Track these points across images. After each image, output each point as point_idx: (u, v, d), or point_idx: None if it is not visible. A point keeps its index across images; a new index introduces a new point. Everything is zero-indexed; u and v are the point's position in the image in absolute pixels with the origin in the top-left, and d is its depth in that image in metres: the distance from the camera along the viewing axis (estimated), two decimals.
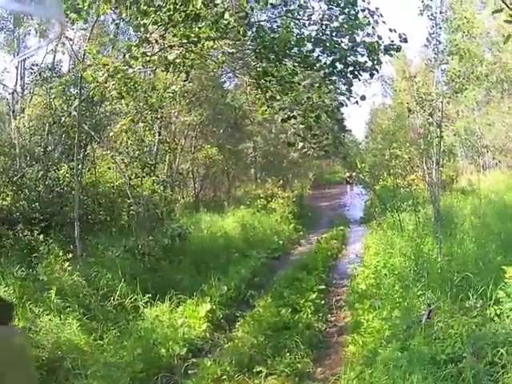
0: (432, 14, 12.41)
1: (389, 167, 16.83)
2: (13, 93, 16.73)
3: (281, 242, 19.11)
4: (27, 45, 18.45)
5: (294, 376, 7.53)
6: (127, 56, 7.33)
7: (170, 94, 12.22)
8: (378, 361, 7.03)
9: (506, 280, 7.45)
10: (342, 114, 24.02)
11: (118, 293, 9.79)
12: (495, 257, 9.59)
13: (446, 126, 13.43)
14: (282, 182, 25.24)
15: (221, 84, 22.91)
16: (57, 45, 12.54)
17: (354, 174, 24.14)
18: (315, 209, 29.73)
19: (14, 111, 15.93)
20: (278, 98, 7.81)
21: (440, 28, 12.76)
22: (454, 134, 20.40)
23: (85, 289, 9.62)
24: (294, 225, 22.20)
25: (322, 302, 11.11)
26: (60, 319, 8.26)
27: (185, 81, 11.23)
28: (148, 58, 7.49)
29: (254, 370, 7.57)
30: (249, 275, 13.28)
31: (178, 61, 7.71)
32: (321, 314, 10.38)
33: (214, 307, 10.13)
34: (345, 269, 14.95)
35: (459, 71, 13.21)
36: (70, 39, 12.40)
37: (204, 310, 9.79)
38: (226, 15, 6.82)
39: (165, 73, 10.88)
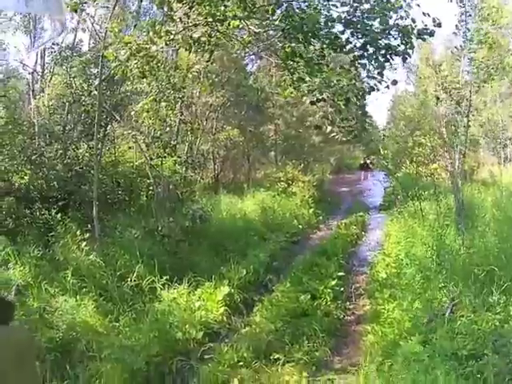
0: (462, 1, 12.04)
1: (411, 155, 16.54)
2: (33, 72, 16.64)
3: (300, 227, 18.99)
4: (43, 26, 18.40)
5: (311, 364, 7.40)
6: (151, 33, 7.12)
7: (194, 74, 12.02)
8: (398, 353, 6.85)
9: None
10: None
11: (135, 274, 9.64)
12: None
13: (473, 115, 13.11)
14: (302, 165, 24.96)
15: (243, 66, 22.67)
16: (78, 23, 12.38)
17: (370, 160, 23.99)
18: (335, 194, 29.55)
19: (33, 90, 15.84)
20: (308, 79, 7.56)
21: (470, 15, 12.40)
22: (479, 125, 20.01)
23: (102, 269, 9.51)
24: (314, 209, 22.01)
25: (341, 289, 10.96)
26: (76, 300, 8.18)
27: (207, 61, 10.99)
28: (172, 37, 7.28)
29: (272, 357, 7.45)
30: (268, 259, 13.18)
31: (202, 39, 7.50)
32: (339, 302, 10.27)
33: (233, 291, 10.05)
34: (364, 256, 14.89)
35: (488, 61, 12.85)
36: (92, 17, 12.17)
37: (222, 293, 9.70)
38: None
39: (187, 53, 10.72)
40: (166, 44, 7.42)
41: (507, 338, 6.22)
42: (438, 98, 13.39)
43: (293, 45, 7.54)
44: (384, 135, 21.67)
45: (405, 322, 8.02)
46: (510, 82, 19.50)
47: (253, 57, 22.40)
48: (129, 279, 9.54)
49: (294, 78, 8.04)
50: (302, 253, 14.88)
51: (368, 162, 29.10)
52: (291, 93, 8.72)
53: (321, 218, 21.95)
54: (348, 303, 10.66)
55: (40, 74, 16.79)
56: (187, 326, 8.38)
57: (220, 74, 18.16)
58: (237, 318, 9.30)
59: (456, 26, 12.54)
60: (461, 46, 13.20)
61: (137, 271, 9.73)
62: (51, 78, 15.31)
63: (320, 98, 7.59)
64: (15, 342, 1.68)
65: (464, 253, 10.02)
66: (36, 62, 17.19)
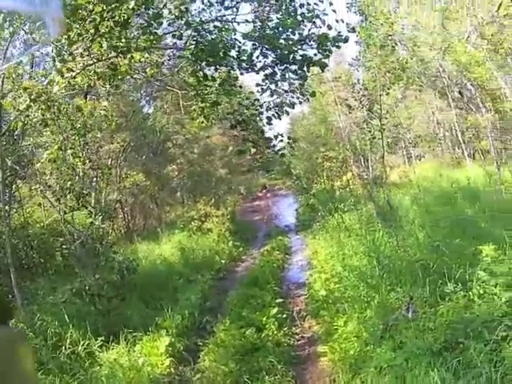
0: (360, 10, 12.45)
1: (323, 169, 16.78)
2: None
3: (223, 261, 18.64)
4: None
5: None
6: (52, 74, 6.68)
7: (98, 115, 11.56)
8: (368, 365, 6.70)
9: (484, 259, 7.35)
10: None
11: (68, 340, 8.96)
12: (451, 240, 9.56)
13: (386, 118, 13.48)
14: (213, 200, 24.78)
15: (140, 108, 22.37)
16: None
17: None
18: (249, 223, 29.46)
19: None
20: (226, 101, 7.35)
21: (370, 22, 12.82)
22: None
23: (32, 341, 8.64)
24: (233, 242, 21.77)
25: (284, 315, 10.74)
26: None
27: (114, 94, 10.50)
28: (74, 74, 6.85)
29: None
30: (199, 300, 12.77)
31: (108, 73, 7.12)
32: (286, 328, 10.02)
33: (173, 339, 9.55)
34: (296, 278, 14.84)
35: (388, 65, 13.32)
36: None
37: (163, 344, 9.19)
38: (165, 11, 6.33)
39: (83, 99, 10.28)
40: (69, 83, 6.97)
41: (476, 321, 6.23)
42: (349, 107, 13.70)
43: (203, 70, 7.32)
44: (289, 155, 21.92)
45: (362, 333, 7.90)
46: (404, 86, 20.35)
47: (147, 98, 22.25)
48: (63, 347, 8.80)
49: (207, 105, 7.81)
50: (232, 287, 14.53)
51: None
52: (202, 122, 8.49)
53: (241, 249, 21.69)
54: (294, 328, 10.42)
55: None
56: None
57: (118, 120, 17.70)
58: (185, 367, 8.88)
59: (357, 33, 12.85)
60: (359, 54, 13.64)
61: (69, 337, 9.03)
62: None
63: (240, 119, 7.38)
64: (14, 342, 1.65)
65: (400, 252, 10.07)
66: None
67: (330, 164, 16.27)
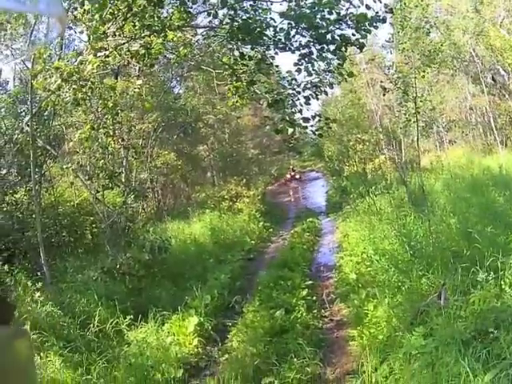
0: None
1: (355, 152, 16.63)
2: None
3: (253, 242, 18.75)
4: None
5: (305, 381, 7.14)
6: (85, 53, 6.69)
7: (132, 95, 11.60)
8: (397, 352, 6.67)
9: None
10: None
11: (97, 318, 9.03)
12: (483, 228, 9.39)
13: (421, 101, 13.26)
14: (245, 180, 24.79)
15: (171, 88, 22.41)
16: None
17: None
18: (280, 204, 29.44)
19: None
20: (264, 80, 7.27)
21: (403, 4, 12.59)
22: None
23: (61, 319, 8.85)
24: (263, 222, 21.81)
25: (313, 298, 10.81)
26: (40, 357, 7.44)
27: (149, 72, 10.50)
28: (107, 53, 6.84)
29: (263, 383, 7.15)
30: (229, 280, 12.81)
31: (141, 52, 7.09)
32: (315, 311, 10.06)
33: (202, 319, 9.58)
34: (326, 260, 14.88)
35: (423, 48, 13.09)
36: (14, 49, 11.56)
37: (192, 324, 9.24)
38: None
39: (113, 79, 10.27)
40: (102, 62, 6.97)
41: (507, 311, 6.16)
42: (384, 89, 13.51)
43: (239, 49, 7.26)
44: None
45: (392, 319, 7.82)
46: (437, 70, 20.01)
47: (178, 78, 22.25)
48: (91, 325, 8.89)
49: (243, 84, 7.74)
50: (262, 268, 14.58)
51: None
52: (236, 101, 8.43)
53: (271, 230, 21.77)
54: (323, 311, 10.42)
55: None
56: (164, 365, 7.89)
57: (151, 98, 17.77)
58: (213, 347, 9.00)
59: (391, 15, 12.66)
60: (392, 36, 13.41)
61: (98, 315, 9.11)
62: None
63: (278, 98, 7.30)
64: (17, 341, 1.66)
65: (432, 238, 9.94)
66: None
67: (362, 147, 16.11)
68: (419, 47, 13.31)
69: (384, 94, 13.99)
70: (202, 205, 22.39)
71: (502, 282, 6.99)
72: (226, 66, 7.92)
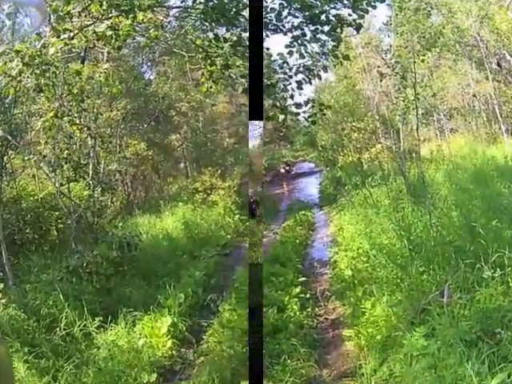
0: None
1: (350, 141, 16.67)
2: None
3: (229, 236, 18.84)
4: None
5: None
6: (47, 35, 6.61)
7: (98, 80, 11.51)
8: (397, 353, 6.76)
9: None
10: None
11: (63, 321, 9.14)
12: (488, 222, 9.44)
13: (420, 87, 13.30)
14: (219, 171, 24.77)
15: (141, 74, 22.51)
16: None
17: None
18: (270, 196, 29.47)
19: None
20: (239, 63, 7.22)
21: None
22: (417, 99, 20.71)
23: (25, 322, 8.90)
24: (239, 216, 21.64)
25: (307, 295, 10.90)
26: None
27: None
28: (72, 34, 6.77)
29: None
30: (204, 277, 12.96)
31: (108, 33, 7.02)
32: (309, 309, 10.22)
33: (176, 320, 9.71)
34: (320, 256, 14.87)
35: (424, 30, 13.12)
36: None
37: (165, 324, 9.35)
38: None
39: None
40: (65, 44, 6.89)
41: None
42: (381, 74, 13.55)
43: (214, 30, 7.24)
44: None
45: (391, 318, 7.90)
46: (438, 54, 20.06)
47: (149, 63, 22.23)
48: (58, 328, 9.00)
49: (217, 68, 7.69)
50: (238, 264, 14.66)
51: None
52: (210, 87, 8.39)
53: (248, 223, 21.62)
54: (317, 309, 10.61)
55: None
56: (136, 369, 7.99)
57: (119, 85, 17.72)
58: (188, 350, 9.13)
59: None
60: (389, 19, 13.45)
61: (65, 317, 9.21)
62: None
63: (268, 83, 7.27)
64: None
65: (432, 232, 9.98)
66: None
67: (357, 135, 16.16)
68: (419, 30, 13.32)
69: (381, 80, 14.00)
70: (175, 198, 22.46)
71: (509, 279, 7.10)
72: (200, 49, 7.87)
